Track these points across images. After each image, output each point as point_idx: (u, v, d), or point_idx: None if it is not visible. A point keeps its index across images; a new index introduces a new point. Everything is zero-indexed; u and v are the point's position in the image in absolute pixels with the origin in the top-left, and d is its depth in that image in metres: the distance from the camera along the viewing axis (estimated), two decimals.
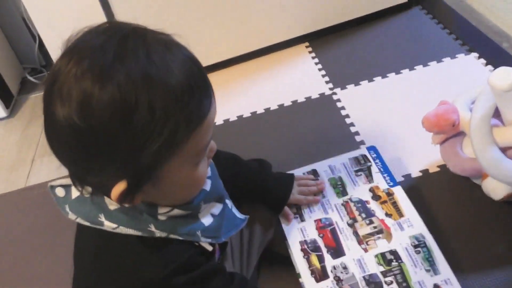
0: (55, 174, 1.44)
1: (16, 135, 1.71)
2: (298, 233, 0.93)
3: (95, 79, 0.52)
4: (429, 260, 0.85)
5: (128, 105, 0.52)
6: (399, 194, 0.97)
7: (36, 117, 1.79)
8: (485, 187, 0.95)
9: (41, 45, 1.87)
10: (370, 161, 1.04)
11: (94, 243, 0.67)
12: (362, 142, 1.24)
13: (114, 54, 0.54)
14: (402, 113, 1.29)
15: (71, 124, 0.53)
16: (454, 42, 1.50)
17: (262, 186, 0.93)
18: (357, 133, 1.27)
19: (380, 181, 1.00)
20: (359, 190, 0.99)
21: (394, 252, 0.87)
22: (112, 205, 0.63)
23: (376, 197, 0.97)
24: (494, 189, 0.92)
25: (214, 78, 1.61)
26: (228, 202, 0.78)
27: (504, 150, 0.90)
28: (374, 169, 1.03)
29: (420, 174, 1.10)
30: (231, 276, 0.73)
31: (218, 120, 1.46)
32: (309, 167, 1.06)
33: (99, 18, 1.62)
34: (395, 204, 0.95)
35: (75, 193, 0.67)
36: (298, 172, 1.05)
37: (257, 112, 1.46)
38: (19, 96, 1.94)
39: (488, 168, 0.89)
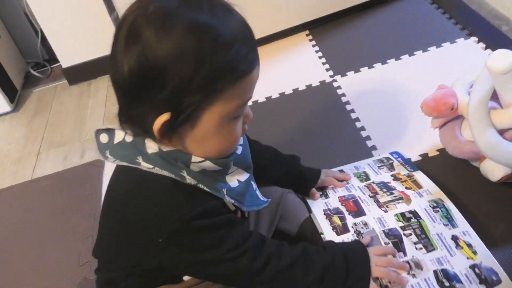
0: (60, 166, 1.48)
1: (21, 129, 1.73)
2: (322, 205, 0.97)
3: (163, 19, 0.61)
4: (447, 217, 0.87)
5: (186, 44, 0.61)
6: (419, 175, 0.99)
7: (40, 111, 1.81)
8: (483, 169, 0.96)
9: (44, 39, 1.89)
10: (392, 159, 1.07)
11: (128, 182, 0.73)
12: (362, 128, 1.25)
13: (182, 2, 0.63)
14: (401, 98, 1.30)
15: (136, 55, 0.61)
16: (453, 27, 1.50)
17: (297, 172, 1.00)
18: (357, 120, 1.28)
19: (401, 170, 1.02)
20: (381, 177, 1.02)
21: (413, 212, 0.89)
22: (151, 149, 0.70)
23: (397, 179, 0.99)
24: (492, 171, 0.93)
25: None
26: (253, 184, 0.83)
27: (501, 132, 0.92)
28: (396, 163, 1.05)
29: (420, 158, 1.12)
30: (249, 232, 0.76)
31: None
32: (336, 168, 1.09)
33: (101, 11, 1.63)
34: (415, 182, 0.97)
35: (118, 138, 0.74)
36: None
37: (259, 101, 1.47)
38: (23, 90, 1.96)
39: (486, 150, 0.90)
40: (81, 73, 1.87)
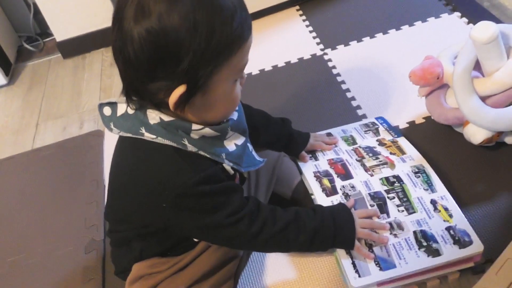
0: (60, 137, 1.53)
1: (18, 101, 1.76)
2: (312, 167, 1.03)
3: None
4: (428, 182, 0.95)
5: (197, 18, 0.65)
6: (403, 141, 1.06)
7: (36, 84, 1.84)
8: (466, 133, 1.04)
9: (36, 13, 1.91)
10: (378, 125, 1.14)
11: (132, 152, 0.78)
12: (353, 98, 1.32)
13: None
14: (390, 70, 1.37)
15: (149, 34, 0.64)
16: (438, 2, 1.57)
17: (288, 134, 1.06)
18: (348, 90, 1.35)
19: (386, 135, 1.09)
20: (367, 141, 1.09)
21: (396, 176, 0.97)
22: (153, 120, 0.74)
23: (382, 144, 1.07)
24: (474, 134, 1.01)
25: None
26: (249, 146, 0.89)
27: (483, 99, 0.99)
28: (381, 128, 1.12)
29: (407, 125, 1.19)
30: (247, 197, 0.83)
31: None
32: (324, 131, 1.15)
33: None
34: (399, 147, 1.05)
35: (120, 110, 0.77)
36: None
37: (252, 74, 1.53)
38: (17, 64, 1.98)
39: (469, 115, 0.98)
40: (75, 47, 1.89)
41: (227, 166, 0.80)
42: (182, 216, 0.77)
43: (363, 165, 1.01)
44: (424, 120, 1.19)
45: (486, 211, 0.96)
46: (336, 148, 1.08)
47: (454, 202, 0.91)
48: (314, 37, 1.60)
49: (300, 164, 1.06)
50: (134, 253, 0.87)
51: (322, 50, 1.54)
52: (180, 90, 0.68)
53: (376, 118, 1.16)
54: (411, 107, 1.22)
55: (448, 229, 0.87)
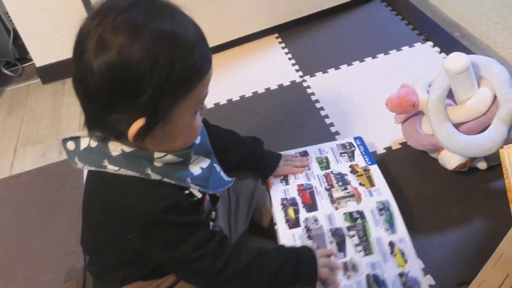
0: (39, 162, 1.52)
1: None
2: (281, 192, 1.04)
3: (132, 31, 0.65)
4: (390, 222, 0.95)
5: (157, 52, 0.66)
6: (375, 170, 1.06)
7: (14, 109, 1.82)
8: (441, 159, 1.08)
9: (16, 38, 1.91)
10: (354, 147, 1.14)
11: (98, 185, 0.79)
12: (331, 124, 1.35)
13: (146, 13, 0.67)
14: (367, 96, 1.42)
15: (109, 67, 0.65)
16: (411, 32, 1.63)
17: (257, 156, 1.06)
18: (326, 116, 1.39)
19: (360, 161, 1.10)
20: (341, 166, 1.09)
21: (360, 212, 0.97)
22: (115, 152, 0.74)
23: (354, 171, 1.07)
24: (449, 160, 1.05)
25: None
26: (217, 166, 0.90)
27: (457, 126, 1.04)
28: (357, 152, 1.12)
29: (385, 151, 1.23)
30: (213, 233, 0.83)
31: None
32: (301, 149, 1.15)
33: (77, 9, 1.66)
34: (369, 177, 1.05)
35: (83, 144, 0.78)
36: (291, 152, 1.14)
37: (233, 100, 1.55)
38: None
39: (444, 142, 1.02)
40: (55, 72, 1.89)
41: (194, 190, 0.80)
42: (148, 246, 0.77)
43: (331, 195, 1.01)
44: (400, 146, 1.22)
45: (462, 234, 0.99)
46: (309, 172, 1.08)
47: (412, 247, 0.90)
48: (293, 64, 1.64)
49: (271, 189, 1.05)
50: (116, 283, 0.87)
51: (301, 77, 1.58)
52: (139, 123, 0.69)
53: (355, 139, 1.17)
54: (388, 133, 1.26)
55: (400, 275, 0.86)
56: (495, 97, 1.02)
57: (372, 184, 1.03)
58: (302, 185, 1.05)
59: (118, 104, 0.68)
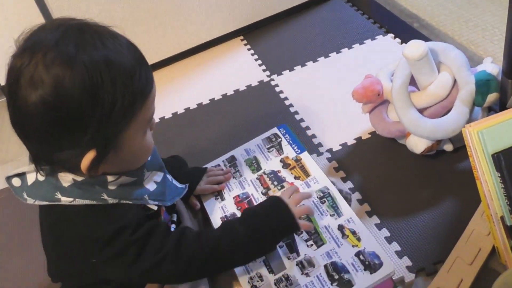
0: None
1: None
2: (220, 211, 1.01)
3: (65, 65, 0.63)
4: (333, 207, 0.94)
5: (95, 83, 0.64)
6: (306, 158, 1.05)
7: None
8: (409, 144, 1.11)
9: None
10: (280, 137, 1.13)
11: (52, 218, 0.77)
12: (301, 120, 1.37)
13: (76, 44, 0.65)
14: (334, 90, 1.44)
15: (47, 106, 0.62)
16: (372, 26, 1.67)
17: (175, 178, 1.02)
18: (296, 113, 1.41)
19: (289, 152, 1.09)
20: (271, 163, 1.08)
21: None
22: (66, 183, 0.73)
23: (286, 165, 1.06)
24: (416, 145, 1.08)
25: (158, 75, 1.72)
26: (169, 177, 0.90)
27: (421, 111, 1.07)
28: (284, 142, 1.12)
29: (355, 141, 1.25)
30: (168, 232, 0.81)
31: (167, 114, 1.55)
32: (227, 155, 1.14)
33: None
34: (302, 168, 1.04)
35: (30, 179, 0.76)
36: (218, 161, 1.13)
37: (203, 103, 1.56)
38: None
39: (410, 127, 1.05)
40: None
41: (152, 205, 0.80)
42: (111, 267, 0.77)
43: None
44: (369, 135, 1.25)
45: (433, 214, 1.02)
46: (241, 179, 1.06)
47: (361, 223, 0.90)
48: (260, 65, 1.66)
49: (206, 206, 1.02)
50: None
51: (268, 76, 1.60)
52: (90, 155, 0.68)
53: (279, 128, 1.16)
54: (356, 124, 1.29)
55: (357, 254, 0.86)
56: (455, 81, 1.06)
57: (307, 174, 1.01)
58: (238, 196, 1.02)
59: (64, 143, 0.66)
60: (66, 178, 0.72)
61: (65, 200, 0.72)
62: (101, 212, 0.74)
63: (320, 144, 1.28)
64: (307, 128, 1.34)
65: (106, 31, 0.69)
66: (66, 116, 0.63)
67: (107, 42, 0.67)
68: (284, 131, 1.14)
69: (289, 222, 0.84)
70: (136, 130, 0.72)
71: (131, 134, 0.71)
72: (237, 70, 1.68)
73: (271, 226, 0.83)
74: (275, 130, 1.16)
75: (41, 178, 0.74)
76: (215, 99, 1.57)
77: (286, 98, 1.47)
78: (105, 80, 0.64)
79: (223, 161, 1.13)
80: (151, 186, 0.81)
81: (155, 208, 0.81)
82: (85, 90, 0.63)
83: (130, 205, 0.77)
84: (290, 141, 1.11)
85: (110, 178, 0.74)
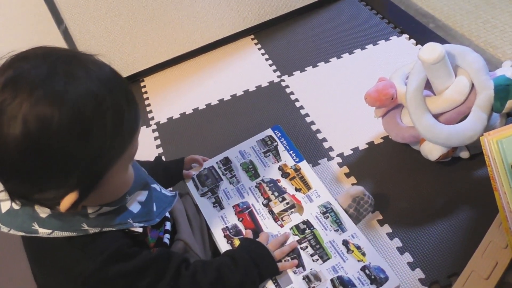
0: None
1: None
2: (220, 220, 0.98)
3: (53, 104, 0.57)
4: (337, 222, 0.93)
5: (85, 122, 0.59)
6: (305, 168, 1.03)
7: None
8: (423, 150, 1.07)
9: None
10: (276, 141, 1.10)
11: (32, 247, 0.73)
12: (312, 123, 1.34)
13: (65, 82, 0.59)
14: (346, 92, 1.41)
15: (31, 148, 0.57)
16: (387, 26, 1.63)
17: (160, 166, 1.04)
18: (307, 115, 1.37)
19: (287, 159, 1.06)
20: (270, 171, 1.05)
21: (306, 222, 0.94)
22: (44, 213, 0.67)
23: (285, 174, 1.03)
24: (431, 151, 1.04)
25: (167, 74, 1.69)
26: (156, 186, 0.85)
27: (436, 116, 1.03)
28: (281, 147, 1.08)
29: (367, 146, 1.22)
30: (168, 261, 0.76)
31: (175, 114, 1.52)
32: (221, 156, 1.11)
33: (48, 24, 1.63)
34: (302, 179, 1.01)
35: (4, 207, 0.70)
36: (211, 162, 1.10)
37: (212, 104, 1.53)
38: None
39: (424, 133, 1.01)
40: None
41: (137, 228, 0.76)
42: None
43: (271, 211, 0.97)
44: (382, 140, 1.22)
45: (448, 224, 0.98)
46: (239, 186, 1.04)
47: (365, 238, 0.90)
48: (270, 65, 1.63)
49: (207, 217, 1.00)
50: None
51: (279, 77, 1.56)
52: (71, 197, 0.63)
53: (273, 129, 1.13)
54: (369, 128, 1.25)
55: (363, 269, 0.86)
56: (472, 86, 1.02)
57: (308, 187, 1.00)
58: (238, 205, 1.00)
59: (46, 185, 0.61)
60: (44, 209, 0.67)
61: (42, 232, 0.67)
62: (81, 244, 0.69)
63: (331, 148, 1.25)
64: (318, 131, 1.31)
65: (92, 61, 0.64)
66: (52, 159, 0.58)
67: (97, 77, 0.62)
68: (280, 134, 1.11)
69: (271, 269, 0.85)
70: (120, 167, 0.68)
71: (114, 172, 0.67)
72: (247, 70, 1.65)
73: (256, 275, 0.83)
74: (269, 131, 1.13)
75: (16, 207, 0.68)
76: (224, 99, 1.54)
77: (296, 100, 1.44)
78: (96, 121, 0.60)
79: (217, 162, 1.10)
80: (134, 208, 0.77)
81: (141, 230, 0.76)
82: (74, 131, 0.58)
83: (114, 232, 0.72)
84: (287, 147, 1.08)
85: (90, 210, 0.69)
